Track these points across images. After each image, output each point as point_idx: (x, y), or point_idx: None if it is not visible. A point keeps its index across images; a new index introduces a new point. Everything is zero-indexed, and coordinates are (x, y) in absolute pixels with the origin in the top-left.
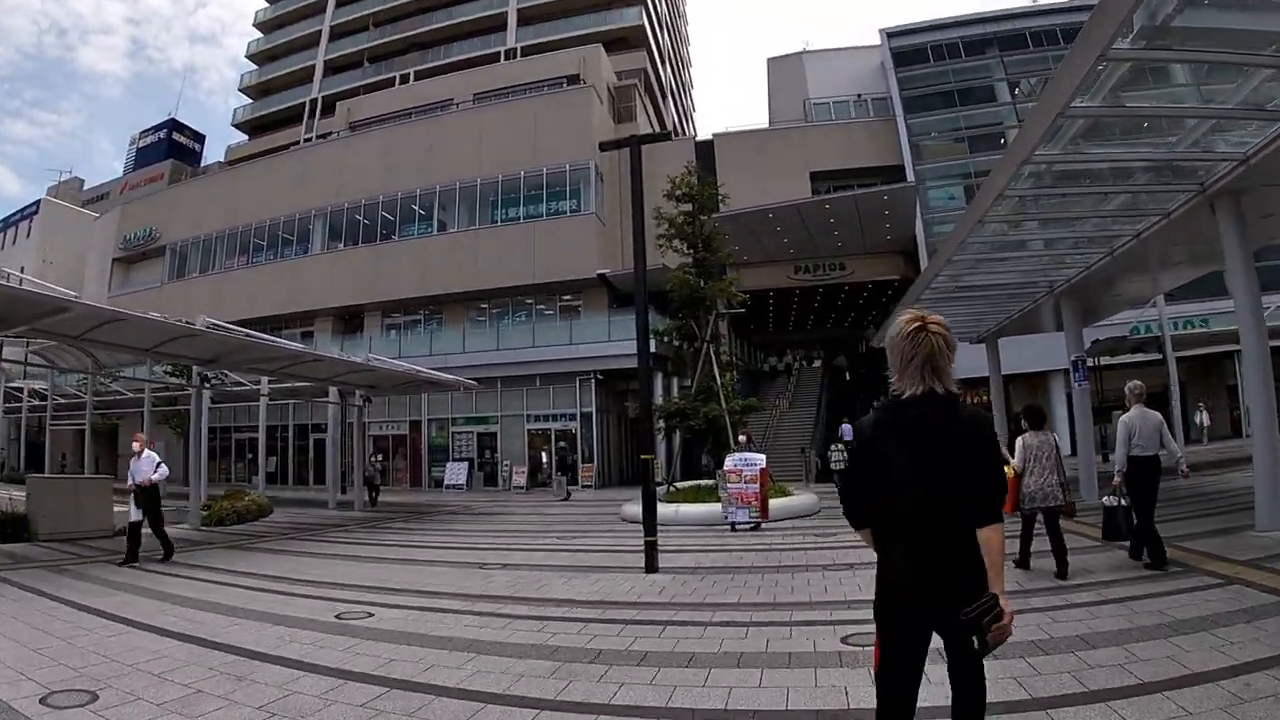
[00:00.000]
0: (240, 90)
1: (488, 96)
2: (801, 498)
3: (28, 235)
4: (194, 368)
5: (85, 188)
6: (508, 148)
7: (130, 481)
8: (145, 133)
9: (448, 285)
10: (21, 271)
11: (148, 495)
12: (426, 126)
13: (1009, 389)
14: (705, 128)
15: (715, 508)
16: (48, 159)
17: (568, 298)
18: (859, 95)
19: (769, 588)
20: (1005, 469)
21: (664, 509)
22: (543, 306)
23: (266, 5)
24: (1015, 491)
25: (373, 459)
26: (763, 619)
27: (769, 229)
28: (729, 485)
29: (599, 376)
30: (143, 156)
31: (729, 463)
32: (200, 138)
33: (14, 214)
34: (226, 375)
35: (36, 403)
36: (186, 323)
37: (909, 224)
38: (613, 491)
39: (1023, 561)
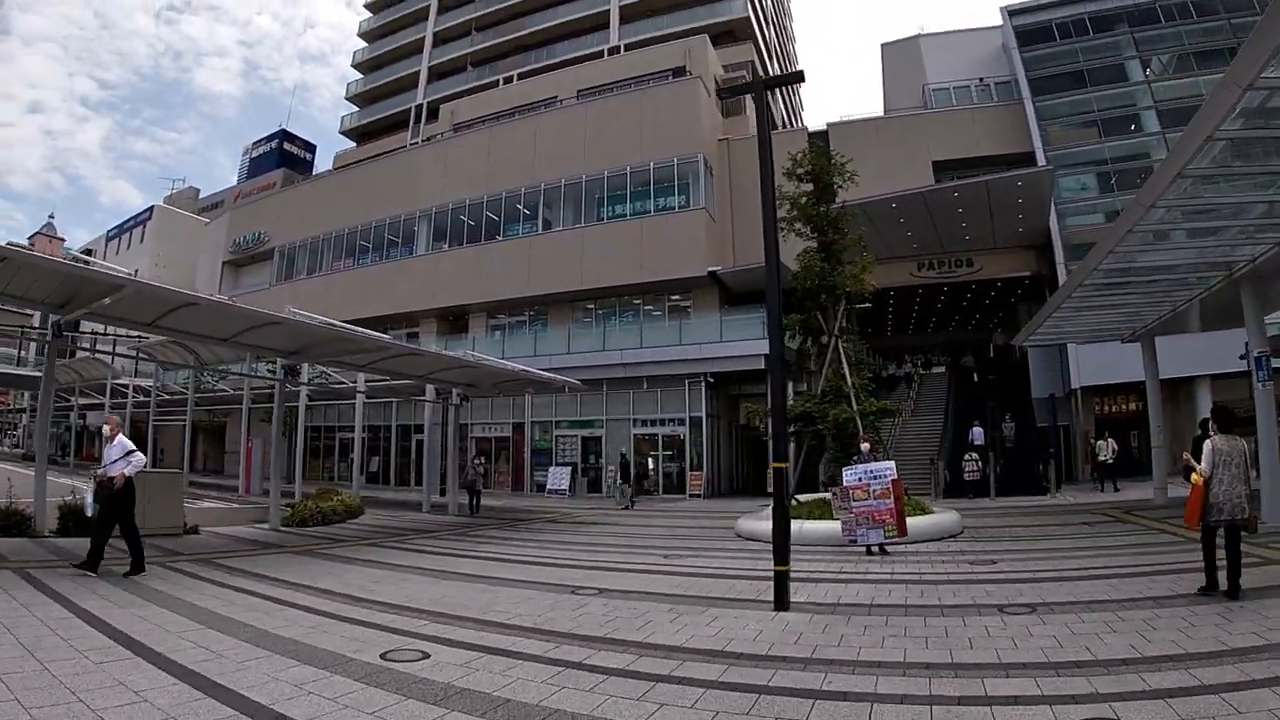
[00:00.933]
0: (347, 99)
1: (592, 93)
2: (943, 515)
3: (141, 240)
4: (278, 360)
5: (200, 197)
6: (613, 143)
7: (100, 471)
8: (258, 143)
9: (553, 285)
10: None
11: (113, 492)
12: (530, 124)
13: (1096, 402)
14: (815, 123)
15: (838, 526)
16: (167, 173)
17: (676, 297)
18: (980, 79)
19: (938, 639)
20: (1193, 476)
21: None
22: (650, 307)
23: (370, 15)
24: (1200, 502)
25: (474, 462)
26: (948, 693)
27: (891, 221)
28: (854, 504)
29: (710, 379)
30: (255, 166)
31: (848, 477)
32: (311, 147)
33: (129, 220)
34: (323, 371)
35: (141, 398)
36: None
37: (1041, 214)
38: (723, 502)
39: (1211, 584)
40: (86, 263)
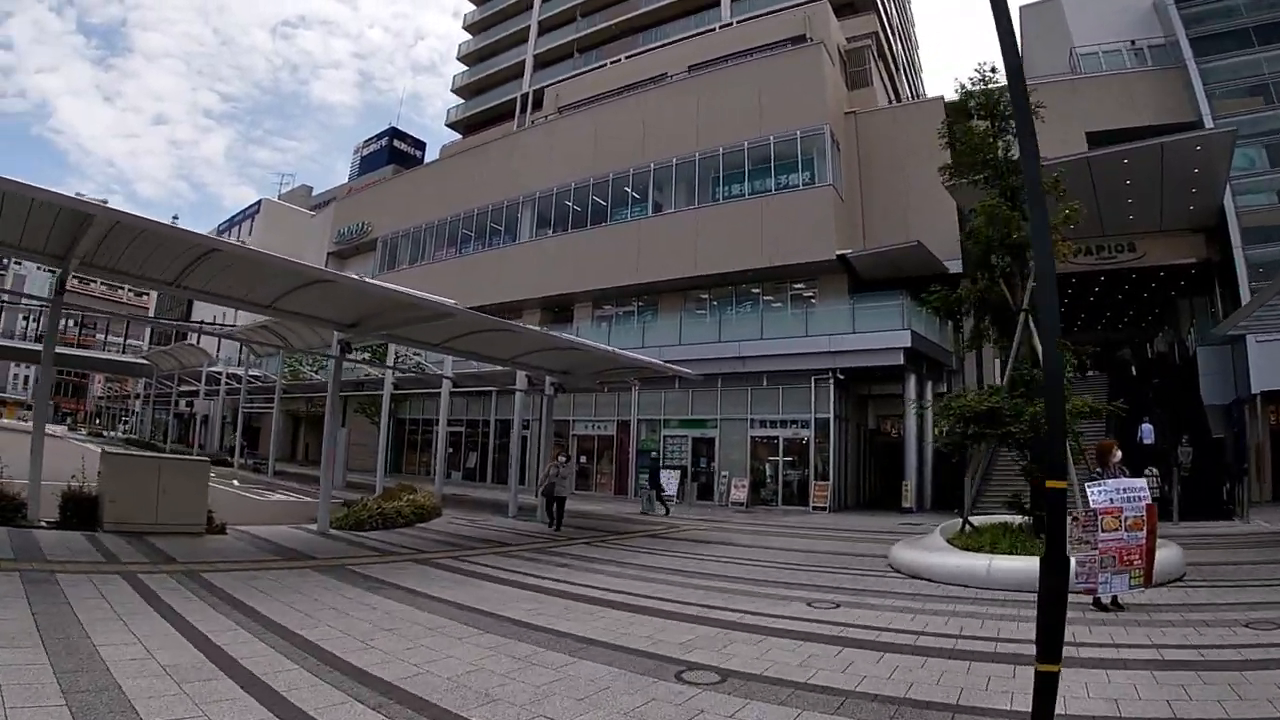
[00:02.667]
0: (453, 91)
1: (703, 67)
2: (1162, 552)
3: (249, 233)
4: (335, 334)
5: (313, 194)
6: (729, 118)
7: None
8: (368, 141)
9: (663, 272)
10: None
11: None
12: (638, 102)
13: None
14: (943, 93)
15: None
16: (288, 180)
17: (799, 285)
18: (1132, 42)
19: None
20: None
21: (959, 560)
22: (770, 298)
23: (475, 8)
24: None
25: (558, 461)
26: None
27: (1048, 195)
28: (1103, 536)
29: (839, 376)
30: (366, 164)
31: (1097, 497)
32: (420, 144)
33: (238, 213)
34: (406, 354)
35: (233, 385)
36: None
37: (1215, 190)
38: (852, 518)
39: None
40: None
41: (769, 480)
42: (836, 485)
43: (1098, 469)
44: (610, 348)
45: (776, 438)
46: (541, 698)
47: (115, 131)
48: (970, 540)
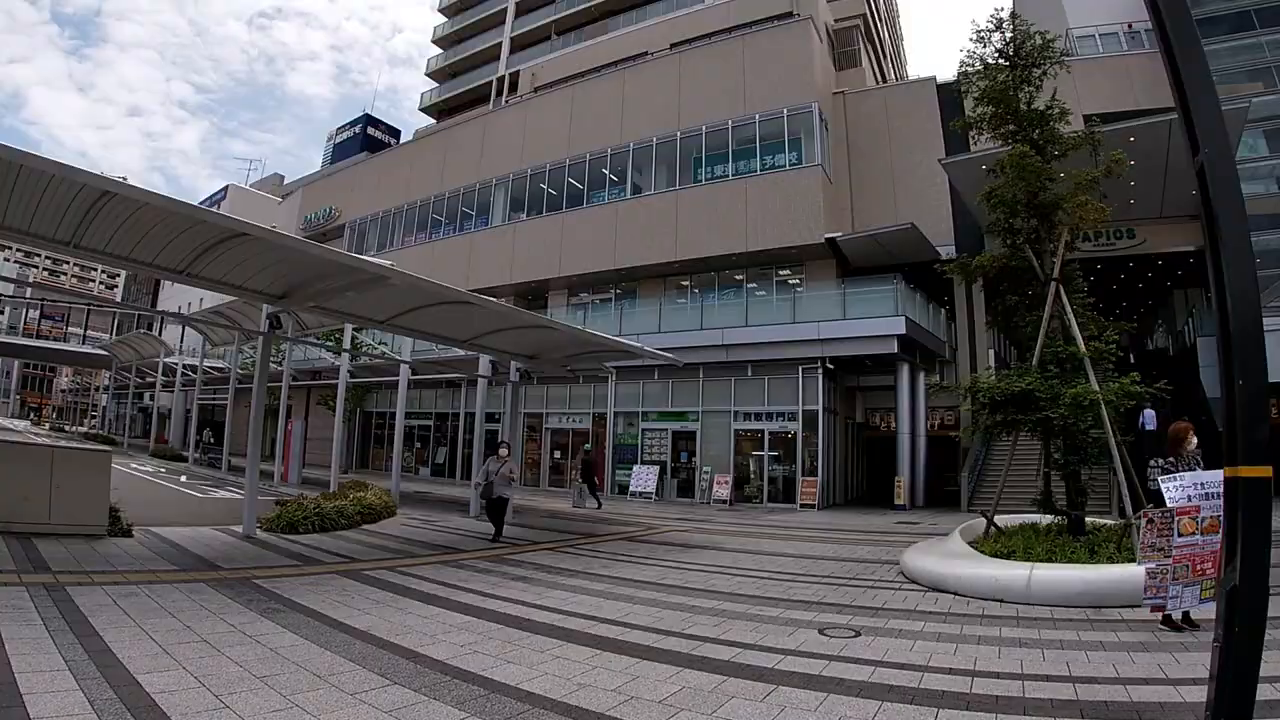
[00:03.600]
0: (427, 75)
1: (686, 45)
2: None
3: None
4: (264, 308)
5: (285, 183)
6: (713, 96)
7: None
8: (341, 129)
9: (642, 256)
10: None
11: None
12: (617, 80)
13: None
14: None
15: (1102, 573)
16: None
17: (785, 272)
18: (1129, 25)
19: None
20: None
21: (993, 571)
22: (754, 285)
23: None
24: None
25: (498, 456)
26: None
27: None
28: (1179, 541)
29: (829, 366)
30: (340, 152)
31: (1174, 494)
32: (395, 132)
33: (204, 200)
34: (366, 343)
35: (189, 376)
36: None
37: None
38: (842, 516)
39: None
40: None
41: (753, 476)
42: (825, 481)
43: (1168, 459)
44: (579, 327)
45: (761, 431)
46: None
47: (88, 123)
48: (998, 545)
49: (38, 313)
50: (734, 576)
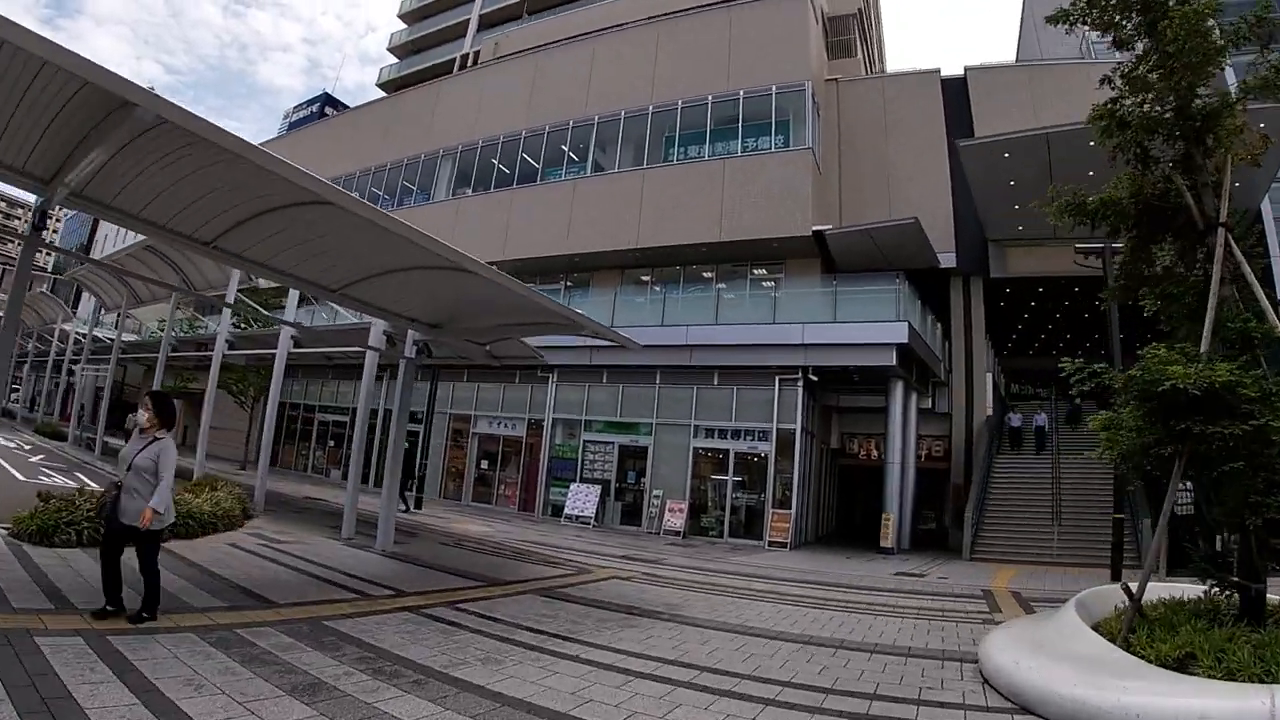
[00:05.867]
0: (389, 50)
1: (665, 17)
2: None
3: None
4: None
5: None
6: (692, 70)
7: None
8: (298, 107)
9: (599, 242)
10: None
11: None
12: (586, 48)
13: None
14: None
15: None
16: None
17: (761, 270)
18: None
19: None
20: None
21: (1203, 703)
22: (722, 285)
23: None
24: None
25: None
26: None
27: (1057, 177)
28: None
29: (811, 376)
30: (293, 129)
31: None
32: None
33: None
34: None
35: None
36: None
37: (1252, 192)
38: (822, 560)
39: None
40: None
41: (712, 504)
42: (798, 516)
43: None
44: (508, 276)
45: (726, 451)
46: None
47: None
48: (1160, 641)
49: None
50: (717, 696)
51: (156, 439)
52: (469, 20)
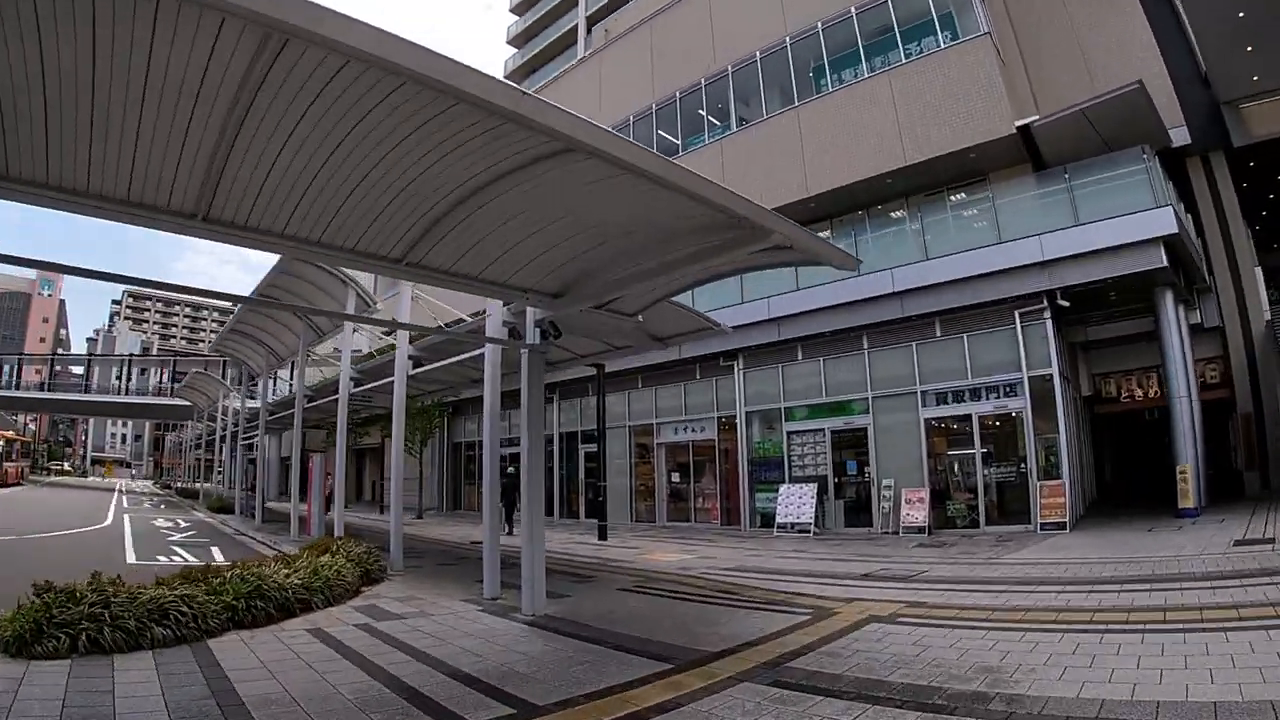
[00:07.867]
0: (507, 43)
1: None
2: None
3: None
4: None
5: None
6: None
7: None
8: None
9: (760, 201)
10: None
11: None
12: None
13: None
14: None
15: None
16: None
17: (959, 196)
18: None
19: None
20: None
21: None
22: (909, 218)
23: None
24: None
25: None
26: None
27: None
28: None
29: (1062, 302)
30: None
31: None
32: None
33: None
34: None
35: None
36: None
37: None
38: (1116, 540)
39: None
40: None
41: (956, 487)
42: (1070, 485)
43: None
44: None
45: (966, 417)
46: None
47: None
48: None
49: (168, 373)
50: None
51: None
52: (576, 25)
